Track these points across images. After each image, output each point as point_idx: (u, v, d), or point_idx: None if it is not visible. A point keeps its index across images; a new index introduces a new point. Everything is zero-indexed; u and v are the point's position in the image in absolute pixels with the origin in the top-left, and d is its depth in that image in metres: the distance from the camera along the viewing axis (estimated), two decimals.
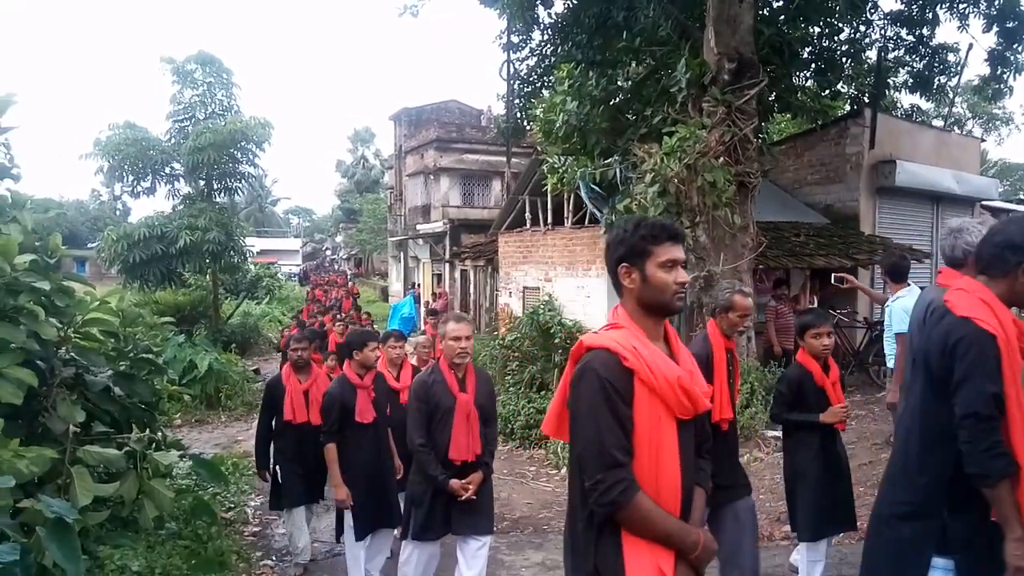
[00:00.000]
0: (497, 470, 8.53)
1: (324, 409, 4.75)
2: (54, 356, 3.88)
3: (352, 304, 22.12)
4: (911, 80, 12.04)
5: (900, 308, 5.67)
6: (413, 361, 6.25)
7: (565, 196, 11.52)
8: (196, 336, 15.20)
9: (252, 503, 7.45)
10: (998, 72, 10.87)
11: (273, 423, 5.58)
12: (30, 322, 3.48)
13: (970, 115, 29.73)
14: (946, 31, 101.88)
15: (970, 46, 11.72)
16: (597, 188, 10.11)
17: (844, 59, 11.53)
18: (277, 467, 5.52)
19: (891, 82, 12.55)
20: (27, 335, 3.45)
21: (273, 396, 5.53)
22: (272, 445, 5.62)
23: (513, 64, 13.18)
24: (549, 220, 12.44)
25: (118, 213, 39.57)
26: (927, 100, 13.69)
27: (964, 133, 22.77)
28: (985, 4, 10.57)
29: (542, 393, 9.98)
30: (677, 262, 2.17)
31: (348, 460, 4.65)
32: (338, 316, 15.47)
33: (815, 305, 10.87)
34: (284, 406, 5.39)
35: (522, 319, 11.77)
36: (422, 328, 19.55)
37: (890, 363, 6.22)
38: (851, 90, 12.33)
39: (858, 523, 4.29)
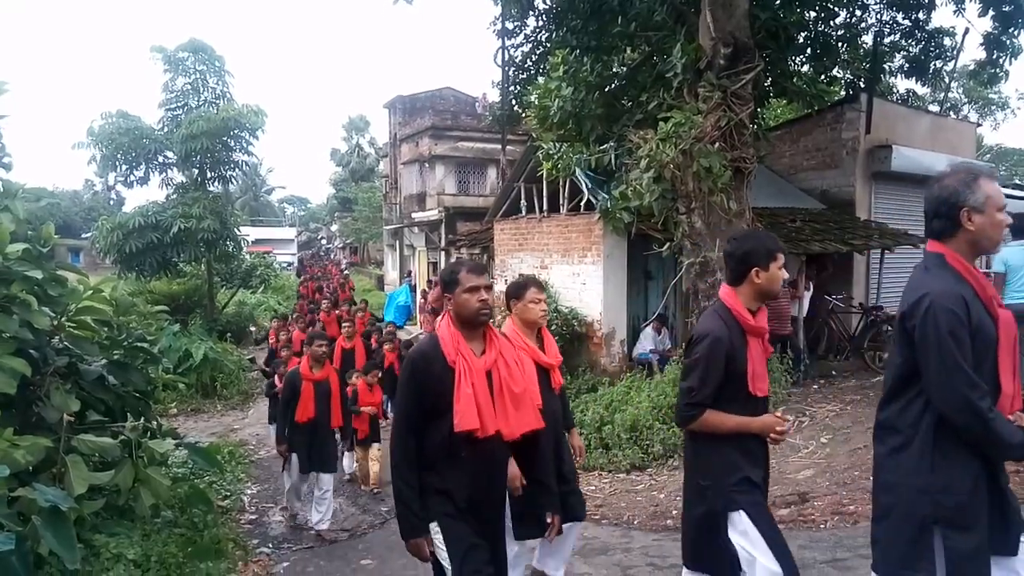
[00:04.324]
0: None
1: (703, 359, 2.92)
2: (47, 345, 3.87)
3: (347, 298, 22.16)
4: (907, 65, 12.00)
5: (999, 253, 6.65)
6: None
7: (561, 183, 11.48)
8: (191, 325, 15.19)
9: (248, 491, 7.47)
10: (994, 56, 10.82)
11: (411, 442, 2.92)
12: (23, 311, 3.47)
13: (966, 100, 29.72)
14: (942, 15, 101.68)
15: (966, 30, 11.68)
16: (593, 174, 10.08)
17: (840, 44, 11.48)
18: (440, 530, 2.83)
19: (887, 67, 12.48)
20: (20, 324, 3.44)
21: (426, 387, 2.86)
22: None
23: (508, 51, 13.13)
24: (545, 207, 12.41)
25: (112, 203, 39.46)
26: (923, 85, 13.66)
27: (960, 118, 22.75)
28: None
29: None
30: None
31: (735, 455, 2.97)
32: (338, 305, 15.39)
33: (811, 291, 10.88)
34: (455, 406, 2.79)
35: None
36: (418, 317, 19.55)
37: None
38: (847, 75, 12.29)
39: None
